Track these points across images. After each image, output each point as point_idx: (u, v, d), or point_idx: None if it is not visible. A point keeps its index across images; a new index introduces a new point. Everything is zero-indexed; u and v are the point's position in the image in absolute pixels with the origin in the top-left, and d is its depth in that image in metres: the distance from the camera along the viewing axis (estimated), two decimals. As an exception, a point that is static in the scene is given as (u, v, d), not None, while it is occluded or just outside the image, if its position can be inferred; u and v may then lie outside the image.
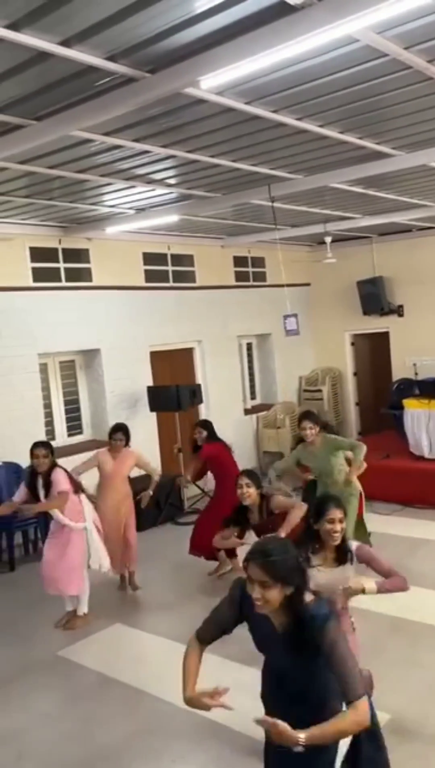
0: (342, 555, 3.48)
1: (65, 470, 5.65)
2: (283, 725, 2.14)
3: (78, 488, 5.71)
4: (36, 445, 5.63)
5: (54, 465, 5.61)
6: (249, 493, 4.82)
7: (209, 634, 2.61)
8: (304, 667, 2.37)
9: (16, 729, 4.27)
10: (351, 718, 2.24)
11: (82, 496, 5.76)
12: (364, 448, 5.73)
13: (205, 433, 6.69)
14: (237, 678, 3.38)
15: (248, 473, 4.97)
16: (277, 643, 2.43)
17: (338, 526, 3.42)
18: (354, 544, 3.54)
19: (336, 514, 3.42)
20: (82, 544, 5.64)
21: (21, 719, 4.38)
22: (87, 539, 5.65)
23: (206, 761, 3.82)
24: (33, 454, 5.56)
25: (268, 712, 2.41)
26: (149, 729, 4.13)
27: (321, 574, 3.42)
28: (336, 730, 2.25)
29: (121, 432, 6.39)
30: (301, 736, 2.14)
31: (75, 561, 5.60)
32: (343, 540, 3.49)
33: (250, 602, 2.40)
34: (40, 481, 5.57)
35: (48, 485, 5.54)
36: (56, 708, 4.53)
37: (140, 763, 3.84)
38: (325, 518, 3.43)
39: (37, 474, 5.58)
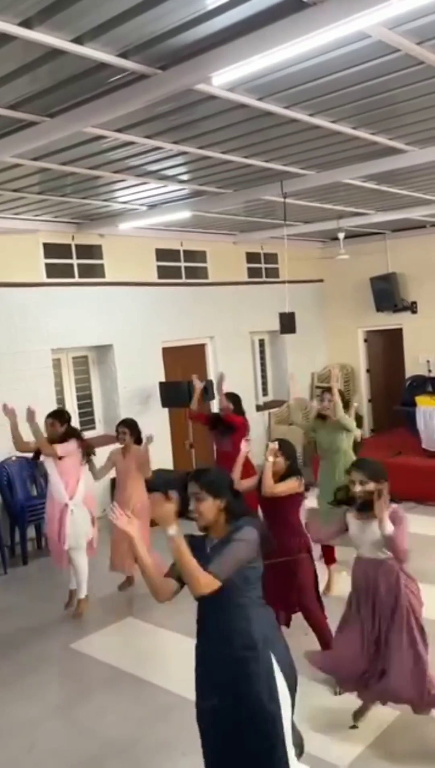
0: (370, 511, 3.76)
1: (83, 440, 5.86)
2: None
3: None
4: (47, 416, 5.87)
5: (68, 434, 5.75)
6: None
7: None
8: None
9: (29, 721, 4.32)
10: (200, 576, 2.66)
11: (85, 469, 5.85)
12: None
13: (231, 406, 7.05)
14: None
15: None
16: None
17: (358, 488, 3.75)
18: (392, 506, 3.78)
19: (353, 476, 3.82)
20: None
21: (33, 711, 4.43)
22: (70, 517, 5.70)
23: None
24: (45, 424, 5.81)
25: None
26: (160, 722, 4.16)
27: (352, 524, 3.86)
28: (186, 561, 2.69)
29: (123, 425, 6.16)
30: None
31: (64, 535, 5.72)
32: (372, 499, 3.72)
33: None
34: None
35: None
36: (68, 700, 4.59)
37: (151, 755, 3.87)
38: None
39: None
